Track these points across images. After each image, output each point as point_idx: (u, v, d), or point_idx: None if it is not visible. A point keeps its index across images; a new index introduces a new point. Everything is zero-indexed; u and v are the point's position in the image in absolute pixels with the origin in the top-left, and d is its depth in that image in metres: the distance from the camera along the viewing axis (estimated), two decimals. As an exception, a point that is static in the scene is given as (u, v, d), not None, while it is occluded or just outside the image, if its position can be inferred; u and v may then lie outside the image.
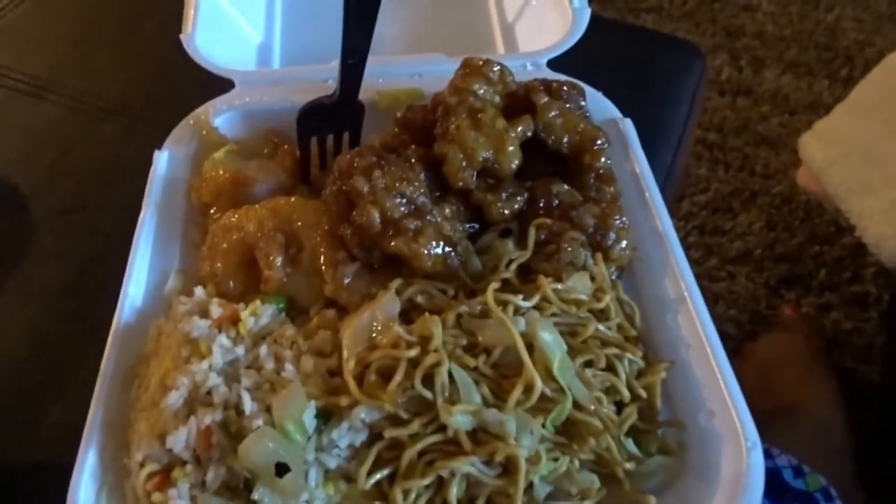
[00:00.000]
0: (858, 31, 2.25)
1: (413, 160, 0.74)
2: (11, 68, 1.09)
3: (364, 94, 0.82)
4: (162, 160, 0.83)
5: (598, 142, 0.77)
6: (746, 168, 2.00)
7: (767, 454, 0.81)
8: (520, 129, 0.75)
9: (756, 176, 1.98)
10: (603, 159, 0.77)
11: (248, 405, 0.60)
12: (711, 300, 1.73)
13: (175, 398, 0.61)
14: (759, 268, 1.84)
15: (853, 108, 1.31)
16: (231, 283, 0.73)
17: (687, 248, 1.85)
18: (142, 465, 0.60)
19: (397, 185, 0.69)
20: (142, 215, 0.78)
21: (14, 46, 1.13)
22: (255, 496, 0.57)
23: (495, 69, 0.79)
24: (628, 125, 0.84)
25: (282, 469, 0.57)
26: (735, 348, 1.70)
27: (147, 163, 0.83)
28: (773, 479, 0.77)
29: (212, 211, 0.80)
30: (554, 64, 0.91)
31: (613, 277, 0.72)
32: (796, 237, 1.88)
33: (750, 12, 2.32)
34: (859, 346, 1.68)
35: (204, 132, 0.86)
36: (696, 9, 2.32)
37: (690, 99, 1.01)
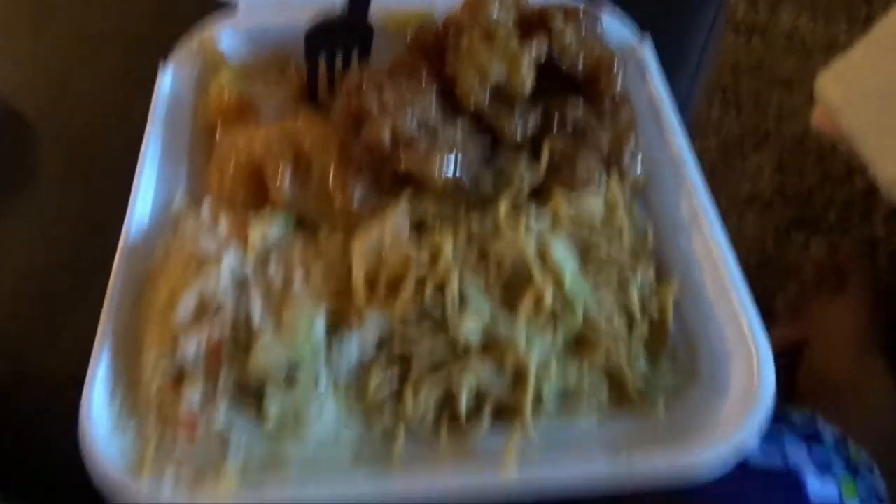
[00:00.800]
0: (880, -30, 2.19)
1: (424, 80, 0.72)
2: (11, -9, 1.07)
3: (373, 18, 0.80)
4: (166, 81, 0.82)
5: (615, 66, 0.75)
6: (759, 109, 1.97)
7: (811, 421, 0.80)
8: (534, 50, 0.73)
9: (769, 118, 1.96)
10: (619, 82, 0.75)
11: (258, 316, 0.60)
12: (719, 242, 1.73)
13: (184, 311, 0.61)
14: (768, 209, 1.83)
15: (874, 46, 1.28)
16: (238, 202, 0.72)
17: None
18: (153, 374, 0.61)
19: (408, 103, 0.68)
20: (146, 136, 0.77)
21: (12, -31, 1.10)
22: (266, 403, 0.58)
23: (509, -12, 0.77)
24: (646, 49, 0.82)
25: (292, 378, 0.58)
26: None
27: (149, 88, 0.82)
28: (813, 438, 0.75)
29: (218, 132, 0.79)
30: (569, -15, 0.88)
31: (627, 199, 0.71)
32: (807, 180, 1.86)
33: (768, -51, 2.25)
34: (866, 289, 1.67)
35: (208, 53, 0.84)
36: (712, -55, 2.25)
37: (709, 26, 0.99)
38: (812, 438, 0.68)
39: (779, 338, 1.37)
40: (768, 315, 1.59)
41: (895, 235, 1.74)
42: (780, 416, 0.63)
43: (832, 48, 2.06)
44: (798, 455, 0.63)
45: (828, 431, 0.74)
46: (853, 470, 0.65)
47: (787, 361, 1.32)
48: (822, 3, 2.14)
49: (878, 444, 0.79)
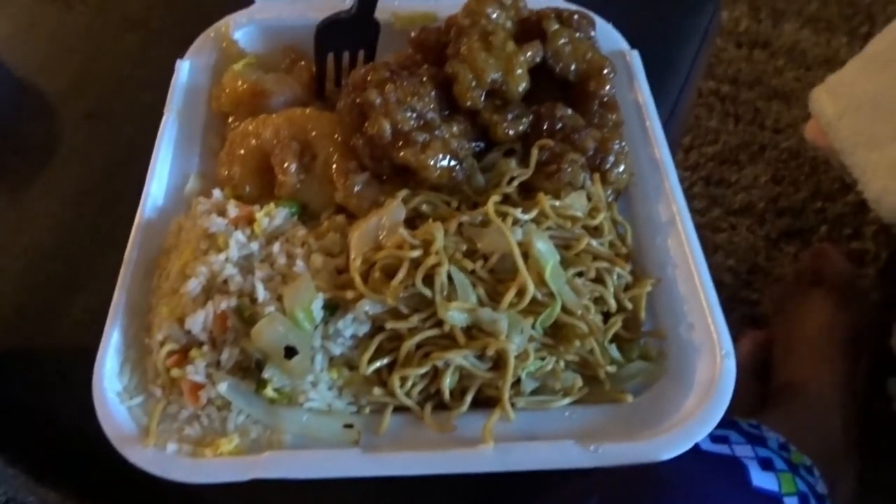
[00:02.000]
0: (883, -12, 2.22)
1: (425, 78, 0.77)
2: (38, -23, 1.11)
3: (380, 16, 0.85)
4: (184, 69, 0.87)
5: (605, 71, 0.80)
6: (757, 121, 2.01)
7: (756, 427, 0.85)
8: (529, 53, 0.78)
9: (766, 130, 1.99)
10: (608, 87, 0.80)
11: (261, 293, 0.65)
12: (711, 250, 1.76)
13: (194, 285, 0.66)
14: (761, 220, 1.86)
15: (867, 62, 1.32)
16: (247, 187, 0.77)
17: (691, 198, 1.87)
18: (162, 344, 0.65)
19: (409, 99, 0.73)
20: (164, 120, 0.82)
21: (41, -44, 1.15)
22: (266, 375, 0.63)
23: (509, -5, 0.81)
24: (635, 57, 0.87)
25: (290, 352, 0.62)
26: (730, 296, 1.74)
27: (168, 74, 0.87)
28: (759, 440, 0.79)
29: (230, 120, 0.84)
30: (567, -6, 0.93)
31: (610, 199, 0.76)
32: (800, 192, 1.90)
33: (774, -37, 2.29)
34: (854, 301, 1.71)
35: (224, 44, 0.89)
36: (718, -43, 2.29)
37: (701, 38, 1.03)
38: (756, 440, 0.72)
39: (752, 339, 1.40)
40: (754, 321, 1.61)
41: (884, 251, 1.78)
42: (728, 422, 0.67)
43: (833, 62, 2.09)
44: (743, 451, 0.67)
45: (772, 438, 0.78)
46: (793, 469, 0.69)
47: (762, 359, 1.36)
48: (824, 18, 2.18)
49: (817, 448, 0.83)
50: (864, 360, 1.28)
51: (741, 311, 1.68)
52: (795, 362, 1.23)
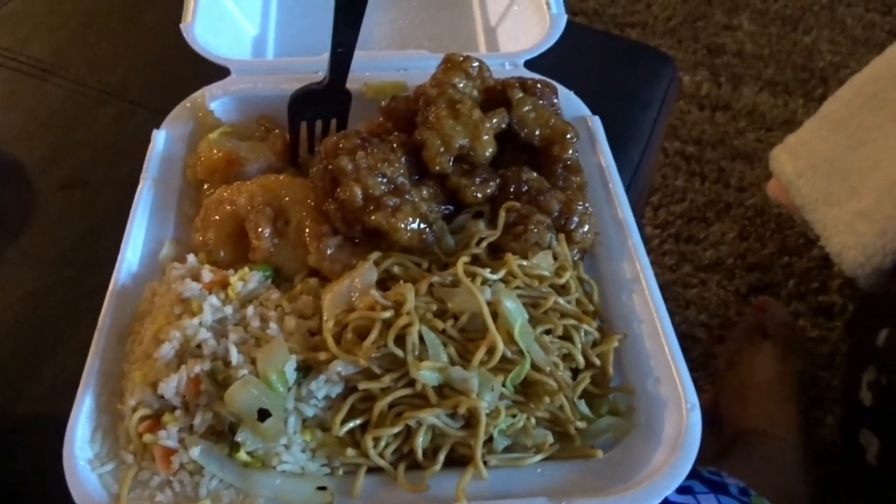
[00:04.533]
0: (834, 54, 2.34)
1: (395, 145, 0.80)
2: (18, 52, 1.14)
3: (352, 86, 0.88)
4: (160, 139, 0.89)
5: (568, 136, 0.83)
6: (722, 180, 2.07)
7: (716, 474, 0.86)
8: (495, 120, 0.81)
9: (731, 188, 2.06)
10: (571, 151, 0.83)
11: (235, 357, 0.65)
12: (683, 305, 1.80)
13: (167, 350, 0.66)
14: (730, 276, 1.90)
15: (822, 123, 1.39)
16: (221, 253, 0.78)
17: (662, 255, 1.91)
18: (134, 409, 0.65)
19: (379, 165, 0.75)
20: (140, 188, 0.83)
21: (21, 30, 1.18)
22: (239, 438, 0.63)
23: (475, 65, 0.85)
24: (596, 122, 0.91)
25: (263, 415, 0.63)
26: (704, 352, 1.77)
27: (144, 144, 0.89)
28: (720, 487, 0.81)
29: (205, 187, 0.85)
30: (531, 64, 0.98)
31: (576, 258, 0.78)
32: (767, 248, 1.95)
33: (731, 31, 2.41)
34: (823, 354, 1.74)
35: (200, 114, 0.91)
36: (679, 26, 2.41)
37: (659, 103, 1.08)
38: (718, 488, 0.74)
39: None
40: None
41: (850, 303, 1.82)
42: (690, 471, 0.69)
43: (791, 123, 2.18)
44: (707, 501, 0.69)
45: (732, 484, 0.80)
46: None
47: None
48: (781, 81, 2.28)
49: (777, 491, 0.85)
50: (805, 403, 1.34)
51: (715, 366, 1.71)
52: (750, 412, 1.27)
